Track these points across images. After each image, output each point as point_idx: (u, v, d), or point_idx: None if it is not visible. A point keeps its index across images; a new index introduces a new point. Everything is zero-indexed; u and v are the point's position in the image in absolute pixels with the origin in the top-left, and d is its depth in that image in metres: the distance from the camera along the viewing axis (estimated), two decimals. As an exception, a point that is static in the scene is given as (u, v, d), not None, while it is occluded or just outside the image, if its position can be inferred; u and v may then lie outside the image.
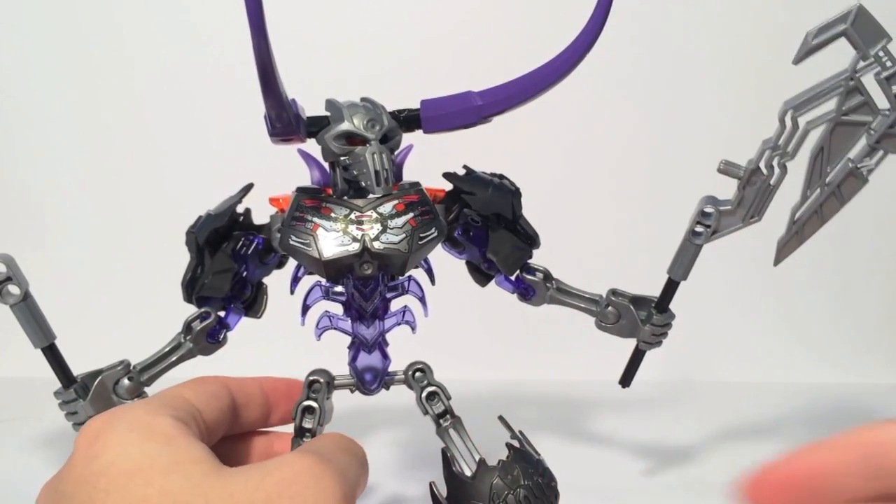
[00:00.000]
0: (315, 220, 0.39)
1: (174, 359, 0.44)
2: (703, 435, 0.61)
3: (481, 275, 0.47)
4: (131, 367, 0.44)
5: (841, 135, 0.42)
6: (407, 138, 0.42)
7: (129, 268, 0.82)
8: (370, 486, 0.38)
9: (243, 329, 0.45)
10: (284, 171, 0.44)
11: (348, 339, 0.44)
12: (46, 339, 0.44)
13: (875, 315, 0.82)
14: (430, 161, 0.42)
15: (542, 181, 0.58)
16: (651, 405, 0.68)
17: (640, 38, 0.78)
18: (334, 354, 0.46)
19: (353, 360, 0.44)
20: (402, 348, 0.45)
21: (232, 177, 0.45)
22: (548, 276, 0.46)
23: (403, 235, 0.39)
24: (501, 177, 0.45)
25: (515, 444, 0.41)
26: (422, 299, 0.44)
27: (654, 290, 0.47)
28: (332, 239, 0.39)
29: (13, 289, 0.43)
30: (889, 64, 0.40)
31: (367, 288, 0.42)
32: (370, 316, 0.43)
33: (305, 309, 0.43)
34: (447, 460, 0.41)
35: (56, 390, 0.45)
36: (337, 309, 0.44)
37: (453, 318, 0.60)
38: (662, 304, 0.47)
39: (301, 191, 0.41)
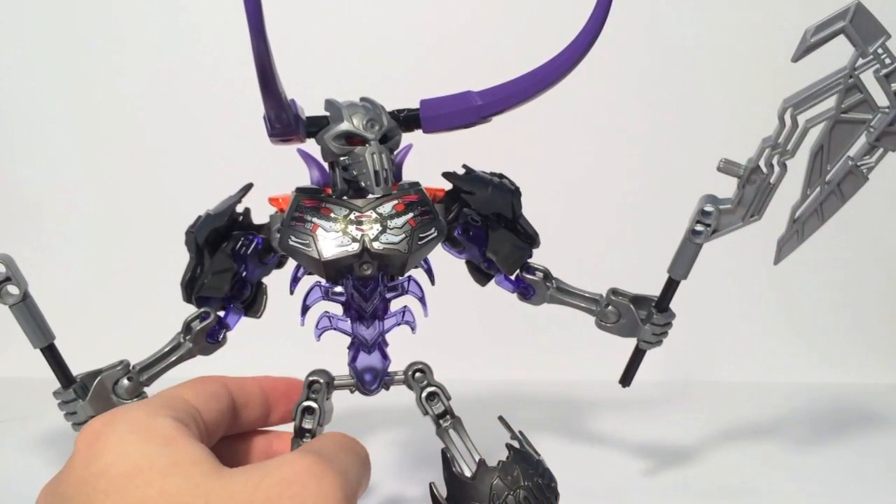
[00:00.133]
0: (314, 220, 0.39)
1: (174, 359, 0.44)
2: (703, 435, 0.61)
3: (481, 274, 0.47)
4: (130, 368, 0.44)
5: (841, 133, 0.42)
6: (407, 138, 0.42)
7: (128, 268, 0.82)
8: (370, 487, 0.38)
9: (243, 329, 0.45)
10: (284, 170, 0.44)
11: (348, 340, 0.44)
12: (46, 340, 0.44)
13: (875, 315, 0.82)
14: (429, 160, 0.42)
15: (541, 180, 0.58)
16: (651, 405, 0.68)
17: (639, 37, 0.78)
18: (334, 355, 0.46)
19: (352, 360, 0.44)
20: (402, 348, 0.45)
21: (231, 176, 0.45)
22: (548, 276, 0.46)
23: (403, 236, 0.39)
24: (501, 176, 0.45)
25: (515, 444, 0.41)
26: (421, 299, 0.44)
27: (655, 289, 0.47)
28: (332, 239, 0.39)
29: (12, 289, 0.43)
30: (888, 61, 0.40)
31: (367, 288, 0.42)
32: (370, 316, 0.43)
33: (305, 309, 0.43)
34: (447, 461, 0.40)
35: (55, 390, 0.45)
36: (336, 309, 0.44)
37: (453, 318, 0.60)
38: (663, 303, 0.47)
39: (300, 191, 0.41)
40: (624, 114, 0.81)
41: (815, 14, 0.40)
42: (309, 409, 0.40)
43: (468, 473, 0.39)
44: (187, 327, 0.43)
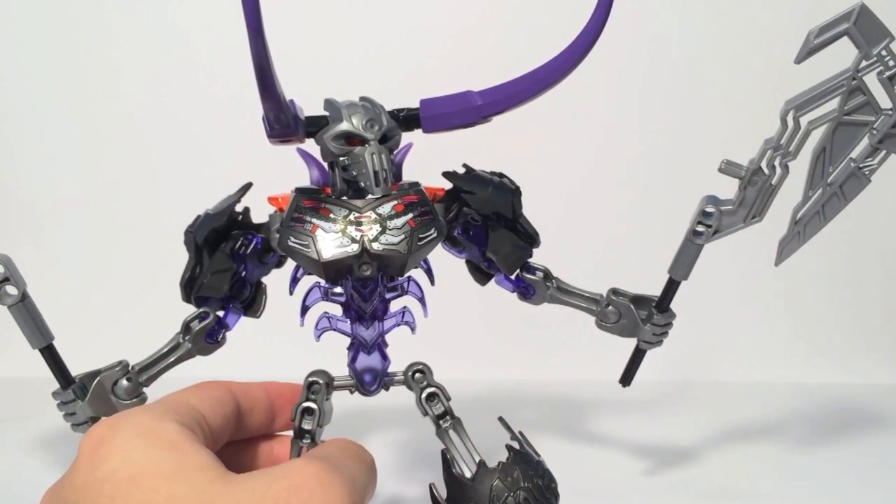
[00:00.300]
0: (314, 220, 0.39)
1: (173, 359, 0.44)
2: (703, 435, 0.61)
3: (481, 274, 0.46)
4: (130, 368, 0.44)
5: (843, 134, 0.42)
6: (407, 137, 0.42)
7: (127, 268, 0.82)
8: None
9: (242, 329, 0.45)
10: (283, 170, 0.44)
11: (348, 340, 0.44)
12: (44, 340, 0.44)
13: (876, 315, 0.82)
14: (429, 160, 0.42)
15: (542, 180, 0.57)
16: (651, 405, 0.68)
17: (640, 38, 0.78)
18: (334, 355, 0.46)
19: (352, 361, 0.44)
20: (402, 349, 0.45)
21: (230, 176, 0.45)
22: (548, 275, 0.46)
23: (403, 236, 0.39)
24: (501, 175, 0.44)
25: (515, 445, 0.41)
26: (421, 300, 0.44)
27: (655, 289, 0.47)
28: (331, 240, 0.39)
29: (11, 289, 0.42)
30: (892, 63, 0.40)
31: (367, 289, 0.41)
32: (369, 317, 0.42)
33: (304, 310, 0.43)
34: (447, 462, 0.40)
35: (54, 391, 0.45)
36: (336, 310, 0.43)
37: (453, 319, 0.60)
38: (663, 303, 0.47)
39: (300, 191, 0.41)
40: (625, 114, 0.81)
41: (818, 16, 0.40)
42: (308, 410, 0.40)
43: (468, 474, 0.39)
44: (186, 327, 0.43)
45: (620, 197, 0.82)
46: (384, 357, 0.44)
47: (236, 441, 0.37)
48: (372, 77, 0.75)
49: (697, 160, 0.53)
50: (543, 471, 0.40)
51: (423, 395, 0.42)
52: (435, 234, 0.40)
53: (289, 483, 0.28)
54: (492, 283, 0.47)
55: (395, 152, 0.41)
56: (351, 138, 0.39)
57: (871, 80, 0.41)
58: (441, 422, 0.42)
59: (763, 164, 0.43)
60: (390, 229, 0.39)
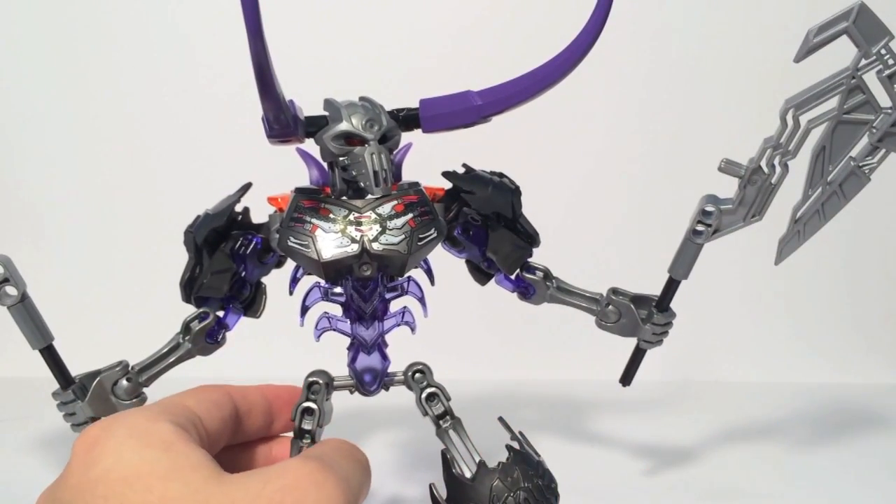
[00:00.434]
0: (314, 221, 0.39)
1: (173, 359, 0.44)
2: (703, 435, 0.61)
3: (481, 274, 0.46)
4: (130, 368, 0.44)
5: (843, 133, 0.42)
6: (406, 137, 0.42)
7: (127, 268, 0.82)
8: (370, 488, 0.38)
9: (242, 329, 0.45)
10: (283, 170, 0.44)
11: (347, 340, 0.44)
12: (44, 340, 0.44)
13: (876, 315, 0.82)
14: (429, 160, 0.42)
15: (542, 180, 0.57)
16: (651, 405, 0.68)
17: (640, 37, 0.78)
18: (333, 355, 0.46)
19: (352, 361, 0.44)
20: (402, 349, 0.45)
21: (230, 176, 0.45)
22: (548, 275, 0.46)
23: (402, 236, 0.39)
24: (501, 175, 0.44)
25: (515, 445, 0.41)
26: (421, 300, 0.44)
27: (655, 289, 0.47)
28: (331, 240, 0.39)
29: (11, 290, 0.42)
30: (891, 62, 0.40)
31: (367, 289, 0.41)
32: (369, 317, 0.42)
33: (304, 310, 0.43)
34: (447, 462, 0.40)
35: (54, 391, 0.45)
36: (336, 310, 0.43)
37: (453, 319, 0.60)
38: (663, 303, 0.46)
39: (299, 191, 0.41)
40: (624, 113, 0.81)
41: (818, 14, 0.40)
42: (308, 410, 0.40)
43: (468, 474, 0.39)
44: (186, 327, 0.43)
45: (620, 197, 0.82)
46: (384, 357, 0.44)
47: (234, 445, 0.37)
48: (372, 77, 0.75)
49: (697, 160, 0.53)
50: (543, 471, 0.40)
51: (423, 395, 0.42)
52: (435, 234, 0.40)
53: (283, 482, 0.28)
54: (492, 283, 0.47)
55: (394, 152, 0.41)
56: (350, 138, 0.39)
57: (871, 79, 0.41)
58: (441, 422, 0.42)
59: (763, 163, 0.43)
60: (390, 229, 0.39)
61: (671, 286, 0.46)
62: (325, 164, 0.41)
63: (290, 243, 0.39)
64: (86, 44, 0.81)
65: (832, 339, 0.80)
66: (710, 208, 0.44)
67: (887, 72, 0.40)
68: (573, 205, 0.80)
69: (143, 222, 0.81)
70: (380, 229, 0.39)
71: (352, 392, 0.44)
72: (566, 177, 0.80)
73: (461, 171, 0.43)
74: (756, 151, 0.43)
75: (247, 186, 0.43)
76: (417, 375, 0.43)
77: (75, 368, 0.45)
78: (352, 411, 0.50)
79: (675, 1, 0.80)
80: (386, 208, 0.39)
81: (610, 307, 0.46)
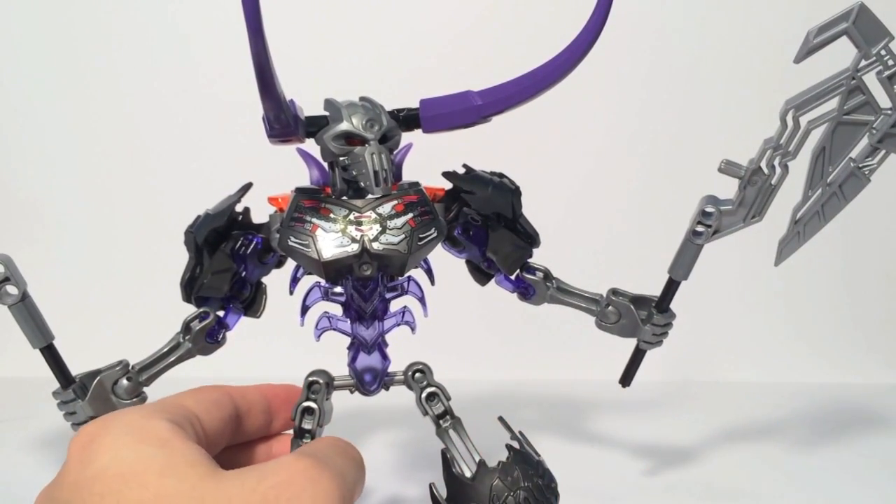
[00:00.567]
0: (314, 220, 0.39)
1: (173, 359, 0.44)
2: (703, 435, 0.61)
3: (481, 274, 0.46)
4: (130, 368, 0.44)
5: (843, 134, 0.42)
6: (407, 137, 0.42)
7: (127, 268, 0.82)
8: (370, 487, 0.38)
9: (242, 329, 0.45)
10: (283, 170, 0.44)
11: (348, 340, 0.44)
12: (45, 340, 0.44)
13: (876, 315, 0.82)
14: (429, 160, 0.42)
15: (542, 180, 0.57)
16: (651, 405, 0.68)
17: (640, 37, 0.78)
18: (334, 355, 0.46)
19: (352, 360, 0.44)
20: (402, 349, 0.45)
21: (230, 176, 0.45)
22: (548, 276, 0.46)
23: (403, 236, 0.39)
24: (501, 175, 0.44)
25: (515, 445, 0.41)
26: (421, 299, 0.44)
27: (655, 289, 0.47)
28: (332, 240, 0.39)
29: (11, 289, 0.42)
30: (891, 63, 0.40)
31: (367, 289, 0.41)
32: (369, 317, 0.42)
33: (305, 309, 0.43)
34: (447, 461, 0.40)
35: (54, 391, 0.45)
36: (336, 310, 0.44)
37: (453, 319, 0.60)
38: (663, 303, 0.47)
39: (300, 191, 0.41)
40: (625, 114, 0.81)
41: (818, 15, 0.40)
42: (309, 410, 0.40)
43: (468, 474, 0.39)
44: (186, 327, 0.43)
45: (620, 197, 0.82)
46: (384, 357, 0.44)
47: (234, 445, 0.37)
48: (372, 77, 0.75)
49: (697, 160, 0.53)
50: (543, 470, 0.40)
51: (423, 394, 0.42)
52: (435, 234, 0.40)
53: (278, 479, 0.28)
54: (492, 283, 0.47)
55: (395, 152, 0.41)
56: (351, 138, 0.39)
57: (871, 80, 0.41)
58: (441, 421, 0.42)
59: (763, 164, 0.43)
60: (390, 229, 0.39)
61: (671, 287, 0.46)
62: (325, 164, 0.41)
63: (290, 243, 0.39)
64: (86, 44, 0.81)
65: (832, 339, 0.80)
66: (709, 209, 0.44)
67: (887, 73, 0.40)
68: (573, 205, 0.80)
69: (144, 222, 0.81)
70: (380, 229, 0.39)
71: (352, 392, 0.44)
72: (566, 177, 0.80)
73: (461, 171, 0.43)
74: (756, 152, 0.43)
75: (247, 186, 0.43)
76: (417, 375, 0.43)
77: (75, 368, 0.45)
78: (352, 411, 0.50)
79: (674, 1, 0.80)
80: (386, 208, 0.39)
81: (610, 308, 0.46)
